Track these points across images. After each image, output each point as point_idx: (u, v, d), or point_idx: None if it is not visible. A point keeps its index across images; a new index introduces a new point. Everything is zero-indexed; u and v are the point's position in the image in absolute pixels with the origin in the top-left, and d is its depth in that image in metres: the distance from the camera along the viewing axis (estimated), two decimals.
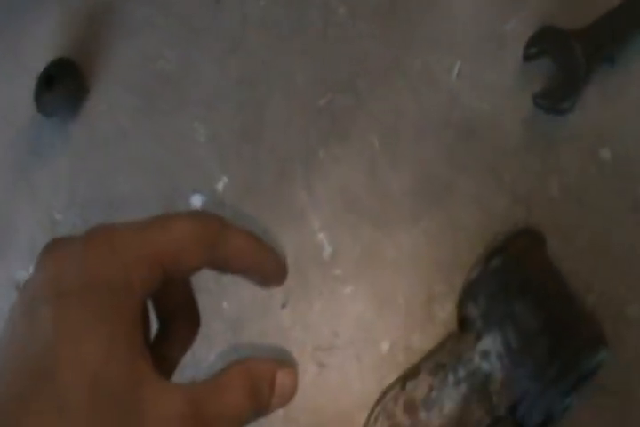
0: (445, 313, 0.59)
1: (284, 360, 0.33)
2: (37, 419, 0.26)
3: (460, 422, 0.52)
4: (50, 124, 0.77)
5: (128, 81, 0.76)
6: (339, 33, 0.70)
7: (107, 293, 0.29)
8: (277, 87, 0.70)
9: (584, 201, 0.59)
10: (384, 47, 0.68)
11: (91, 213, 0.74)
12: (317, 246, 0.65)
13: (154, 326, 0.35)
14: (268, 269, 0.35)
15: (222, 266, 0.33)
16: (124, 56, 0.77)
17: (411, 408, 0.54)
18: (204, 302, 0.66)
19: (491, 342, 0.52)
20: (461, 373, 0.53)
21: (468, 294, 0.55)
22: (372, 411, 0.56)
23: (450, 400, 0.53)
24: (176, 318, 0.36)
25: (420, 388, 0.54)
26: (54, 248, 0.31)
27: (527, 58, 0.62)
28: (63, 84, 0.74)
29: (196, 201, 0.69)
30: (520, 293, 0.53)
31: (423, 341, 0.59)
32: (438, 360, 0.55)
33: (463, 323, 0.55)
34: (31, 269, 0.32)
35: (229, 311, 0.66)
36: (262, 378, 0.32)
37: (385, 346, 0.61)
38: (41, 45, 0.80)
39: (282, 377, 0.32)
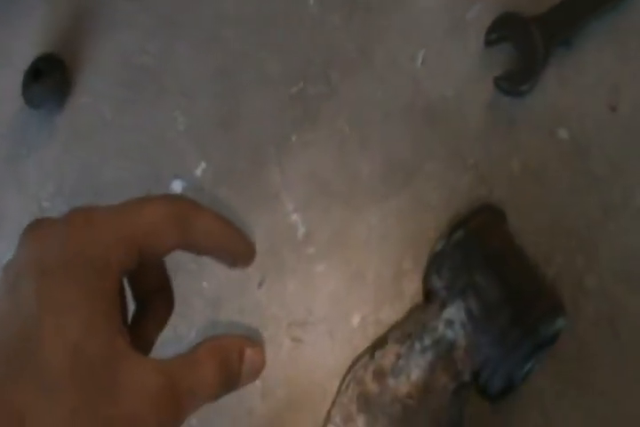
0: (413, 288, 0.61)
1: (254, 338, 0.35)
2: (20, 390, 0.27)
3: (426, 387, 0.53)
4: (37, 116, 0.79)
5: (111, 74, 0.77)
6: (310, 25, 0.71)
7: (88, 270, 0.30)
8: (252, 77, 0.72)
9: (543, 179, 0.61)
10: (352, 38, 0.69)
11: (77, 201, 0.75)
12: (291, 227, 0.66)
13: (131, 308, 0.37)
14: (237, 249, 0.36)
15: (193, 247, 0.34)
16: (107, 50, 0.78)
17: (379, 375, 0.55)
18: (184, 282, 0.69)
19: (454, 312, 0.53)
20: (427, 341, 0.54)
21: (432, 267, 0.56)
22: (343, 379, 0.57)
23: (416, 367, 0.54)
24: (152, 298, 0.38)
25: (387, 356, 0.55)
26: (37, 227, 0.32)
27: (488, 44, 0.63)
28: (50, 78, 0.76)
29: (177, 186, 0.71)
30: (481, 264, 0.53)
31: (392, 314, 0.60)
32: (405, 330, 0.56)
33: (428, 294, 0.56)
34: None
35: (209, 290, 0.67)
36: (232, 354, 0.33)
37: (356, 320, 0.62)
38: (27, 41, 0.82)
39: (251, 354, 0.34)
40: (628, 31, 0.62)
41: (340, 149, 0.67)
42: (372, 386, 0.56)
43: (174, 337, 0.59)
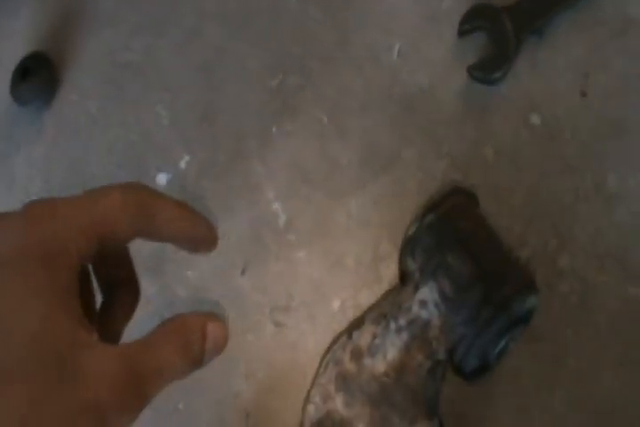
0: (390, 272, 0.62)
1: (217, 313, 0.34)
2: None
3: (402, 366, 0.54)
4: (25, 113, 0.80)
5: (97, 71, 0.79)
6: (289, 18, 0.72)
7: (45, 262, 0.30)
8: (232, 71, 0.73)
9: (517, 163, 0.62)
10: (330, 30, 0.71)
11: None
12: (273, 215, 0.67)
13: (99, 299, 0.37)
14: (197, 235, 0.35)
15: (153, 234, 0.34)
16: (93, 48, 0.80)
17: (357, 355, 0.56)
18: (169, 271, 0.70)
19: (428, 292, 0.54)
20: (402, 321, 0.55)
21: (406, 250, 0.56)
22: (322, 359, 0.59)
23: (392, 347, 0.55)
24: (117, 288, 0.38)
25: (364, 336, 0.56)
26: None
27: (462, 33, 0.65)
28: (37, 76, 0.78)
29: (162, 179, 0.72)
30: (453, 245, 0.54)
31: (371, 298, 0.61)
32: (381, 311, 0.56)
33: (403, 277, 0.57)
34: None
35: (193, 279, 0.68)
36: (193, 332, 0.33)
37: (336, 304, 0.64)
38: (15, 41, 0.83)
39: (213, 329, 0.33)
40: (596, 20, 0.64)
41: (320, 138, 0.68)
42: (350, 366, 0.56)
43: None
